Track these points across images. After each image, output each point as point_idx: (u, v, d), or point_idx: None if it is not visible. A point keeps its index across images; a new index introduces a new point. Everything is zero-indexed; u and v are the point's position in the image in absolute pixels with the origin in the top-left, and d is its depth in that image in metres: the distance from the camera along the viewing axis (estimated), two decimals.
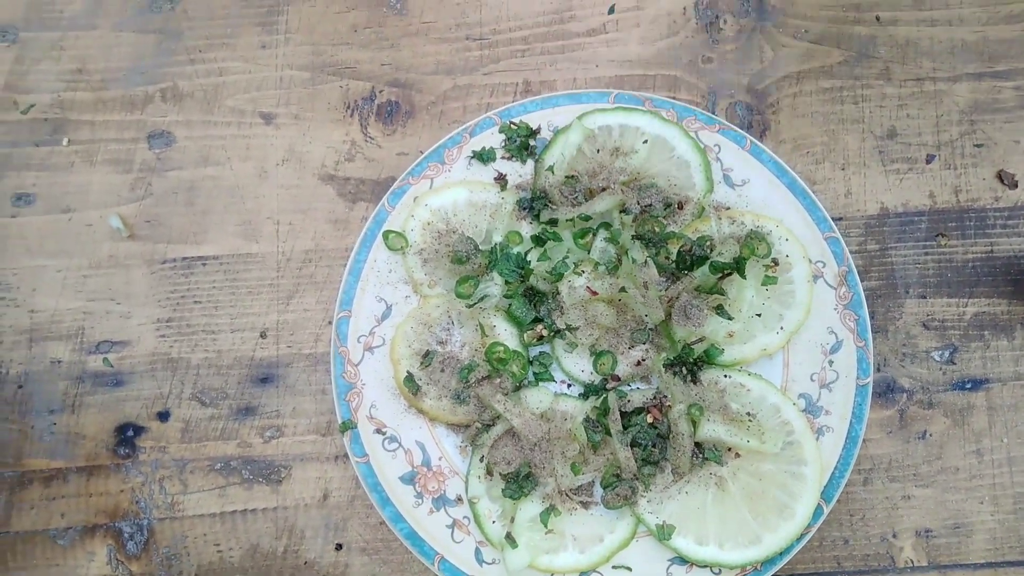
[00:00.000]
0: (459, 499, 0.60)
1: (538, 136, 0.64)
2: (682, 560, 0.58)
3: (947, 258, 0.65)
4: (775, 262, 0.61)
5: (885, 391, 0.63)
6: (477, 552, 0.59)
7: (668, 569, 0.58)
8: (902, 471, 0.62)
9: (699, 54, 0.68)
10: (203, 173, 0.67)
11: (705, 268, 0.59)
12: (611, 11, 0.69)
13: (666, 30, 0.69)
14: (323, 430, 0.64)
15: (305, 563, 0.62)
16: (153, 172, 0.67)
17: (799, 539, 0.57)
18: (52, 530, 0.62)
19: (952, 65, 0.67)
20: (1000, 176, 0.66)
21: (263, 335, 0.65)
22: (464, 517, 0.60)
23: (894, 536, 0.61)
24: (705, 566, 0.57)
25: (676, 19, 0.69)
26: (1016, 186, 0.66)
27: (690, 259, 0.60)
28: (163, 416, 0.64)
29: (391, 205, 0.63)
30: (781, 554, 0.57)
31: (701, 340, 0.59)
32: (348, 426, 0.60)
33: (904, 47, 0.68)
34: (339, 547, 0.62)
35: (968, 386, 0.63)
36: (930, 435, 0.63)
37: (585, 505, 0.59)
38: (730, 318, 0.59)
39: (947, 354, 0.64)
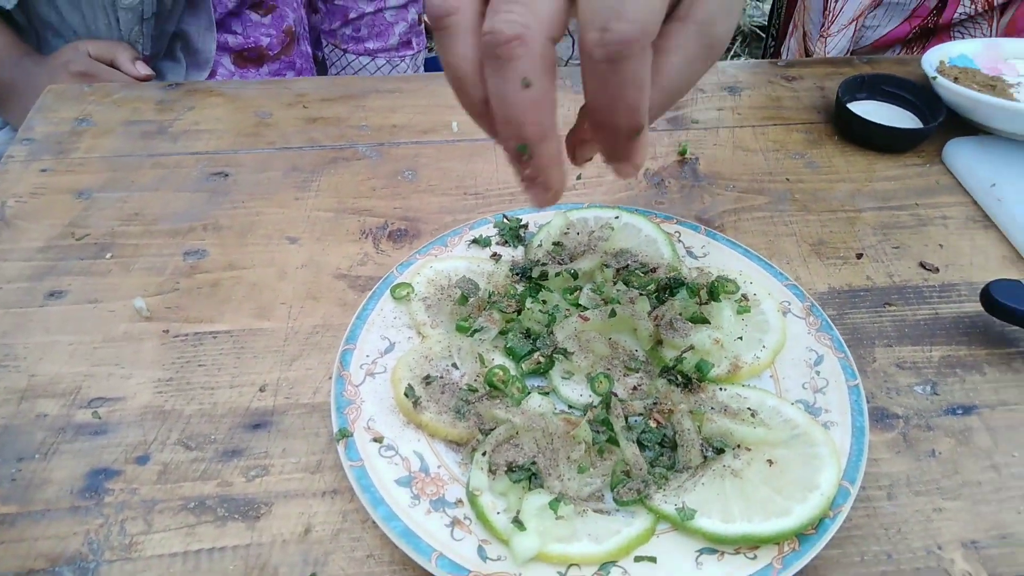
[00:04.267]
0: (459, 502, 0.55)
1: (526, 231, 0.76)
2: (712, 550, 0.52)
3: (900, 319, 0.72)
4: (744, 297, 0.68)
5: (881, 417, 0.64)
6: (480, 550, 0.52)
7: (697, 559, 0.51)
8: (924, 486, 0.59)
9: (652, 200, 0.84)
10: (228, 275, 0.75)
11: (683, 292, 0.65)
12: (579, 178, 0.87)
13: (623, 187, 0.86)
14: (313, 468, 0.60)
15: None
16: (183, 275, 0.75)
17: (831, 520, 0.53)
18: None
19: (855, 204, 0.84)
20: (923, 265, 0.77)
21: (262, 389, 0.65)
22: (465, 517, 0.54)
23: (939, 548, 0.56)
24: (736, 543, 0.51)
25: (631, 183, 0.87)
26: (938, 271, 0.76)
27: (669, 286, 0.66)
28: (141, 460, 0.60)
29: (399, 272, 0.70)
30: (818, 533, 0.52)
31: (691, 348, 0.62)
32: (344, 434, 0.58)
33: (814, 194, 0.85)
34: None
35: (959, 412, 0.64)
36: (939, 453, 0.61)
37: (598, 511, 0.55)
38: (713, 325, 0.64)
39: (928, 388, 0.66)
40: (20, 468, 0.59)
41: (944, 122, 0.89)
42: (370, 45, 1.31)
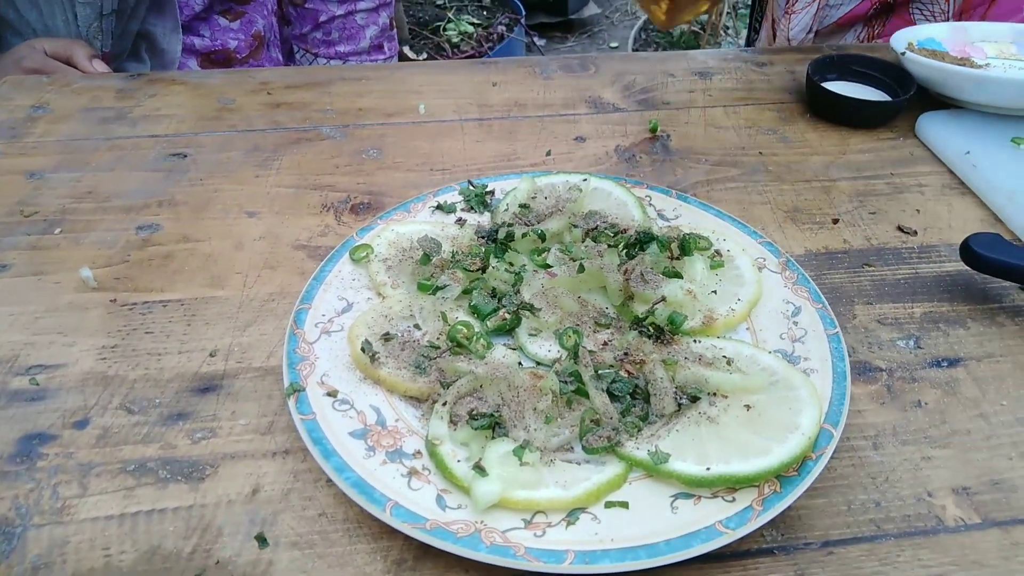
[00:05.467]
0: (417, 453, 0.51)
1: (493, 197, 0.73)
2: (687, 494, 0.48)
3: (879, 278, 0.69)
4: (718, 253, 0.65)
5: (864, 371, 0.61)
6: (439, 499, 0.48)
7: (672, 504, 0.48)
8: (911, 435, 0.56)
9: (624, 173, 0.82)
10: (182, 247, 0.72)
11: (654, 247, 0.63)
12: (548, 154, 0.85)
13: (594, 163, 0.84)
14: (263, 429, 0.56)
15: (217, 563, 0.48)
16: (134, 248, 0.72)
17: (814, 462, 0.49)
18: None
19: (829, 175, 0.82)
20: (900, 228, 0.75)
21: (212, 354, 0.62)
22: (424, 468, 0.50)
23: (930, 495, 0.52)
24: (714, 486, 0.48)
25: (601, 157, 0.85)
26: (916, 234, 0.74)
27: (640, 241, 0.64)
28: (80, 425, 0.56)
29: (359, 236, 0.67)
30: (800, 474, 0.48)
31: (662, 300, 0.60)
32: (295, 388, 0.54)
33: (787, 166, 0.83)
34: (264, 542, 0.49)
35: (944, 364, 0.62)
36: (925, 404, 0.58)
37: (566, 461, 0.51)
38: (686, 280, 0.61)
39: (911, 342, 0.63)
40: None
41: (914, 99, 0.88)
42: (341, 48, 1.31)
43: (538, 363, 0.59)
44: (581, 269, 0.62)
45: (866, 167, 0.83)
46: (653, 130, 0.88)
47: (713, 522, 0.46)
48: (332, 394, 0.54)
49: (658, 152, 0.86)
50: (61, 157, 0.83)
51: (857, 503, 0.52)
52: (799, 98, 0.95)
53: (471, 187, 0.73)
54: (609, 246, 0.63)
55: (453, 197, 0.73)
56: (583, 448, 0.51)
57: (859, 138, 0.88)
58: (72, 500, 0.51)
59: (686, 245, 0.63)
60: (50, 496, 0.52)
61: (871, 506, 0.52)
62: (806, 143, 0.87)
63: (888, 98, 0.92)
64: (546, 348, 0.59)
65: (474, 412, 0.52)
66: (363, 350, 0.56)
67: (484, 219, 0.71)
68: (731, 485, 0.48)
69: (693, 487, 0.48)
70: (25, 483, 0.52)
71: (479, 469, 0.48)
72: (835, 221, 0.76)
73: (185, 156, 0.84)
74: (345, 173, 0.81)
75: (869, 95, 0.93)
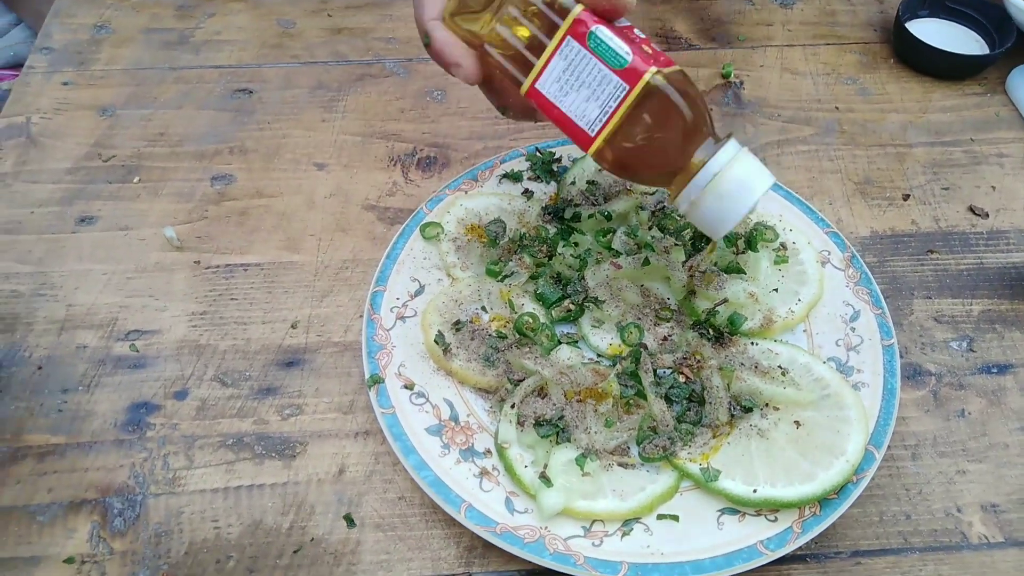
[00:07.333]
0: (488, 452, 0.56)
1: (559, 165, 0.73)
2: (733, 510, 0.53)
3: (942, 268, 0.70)
4: (783, 246, 0.66)
5: (913, 374, 0.63)
6: (507, 501, 0.53)
7: (719, 520, 0.53)
8: (950, 447, 0.59)
9: None
10: (256, 203, 0.74)
11: (720, 240, 0.64)
12: None
13: None
14: (345, 408, 0.61)
15: (312, 540, 0.55)
16: (211, 202, 0.74)
17: (855, 484, 0.53)
18: (34, 506, 0.56)
19: (906, 138, 0.80)
20: (972, 209, 0.74)
21: (294, 326, 0.66)
22: (493, 468, 0.55)
23: (959, 511, 0.56)
24: (758, 506, 0.52)
25: None
26: (987, 216, 0.73)
27: (705, 235, 0.64)
28: (180, 395, 0.62)
29: (428, 208, 0.69)
30: (840, 498, 0.53)
31: (725, 301, 0.61)
32: (376, 380, 0.59)
33: (864, 125, 0.81)
34: (351, 522, 0.56)
35: (994, 370, 0.63)
36: (969, 413, 0.61)
37: (623, 465, 0.56)
38: (749, 278, 0.62)
39: (964, 344, 0.65)
40: (66, 400, 0.61)
41: (1013, 48, 0.83)
42: None
43: (599, 355, 0.62)
44: (646, 262, 0.63)
45: (946, 130, 0.80)
46: (726, 75, 0.85)
47: (755, 542, 0.51)
48: (409, 386, 0.59)
49: (730, 103, 0.83)
50: (129, 90, 0.83)
51: (889, 514, 0.56)
52: (885, 37, 0.89)
53: (538, 153, 0.73)
54: (676, 243, 0.64)
55: (519, 164, 0.73)
56: (639, 456, 0.55)
57: (943, 91, 0.84)
58: (181, 471, 0.58)
59: (752, 241, 0.64)
60: (162, 467, 0.58)
61: (902, 518, 0.56)
62: (886, 97, 0.84)
63: (983, 41, 0.87)
64: (607, 340, 0.62)
65: (540, 419, 0.56)
66: (436, 342, 0.60)
67: (551, 188, 0.72)
68: (774, 508, 0.52)
69: (739, 505, 0.53)
70: (139, 452, 0.59)
71: (544, 479, 0.53)
72: (906, 197, 0.75)
73: (251, 93, 0.83)
74: (410, 120, 0.81)
75: (962, 37, 0.87)
